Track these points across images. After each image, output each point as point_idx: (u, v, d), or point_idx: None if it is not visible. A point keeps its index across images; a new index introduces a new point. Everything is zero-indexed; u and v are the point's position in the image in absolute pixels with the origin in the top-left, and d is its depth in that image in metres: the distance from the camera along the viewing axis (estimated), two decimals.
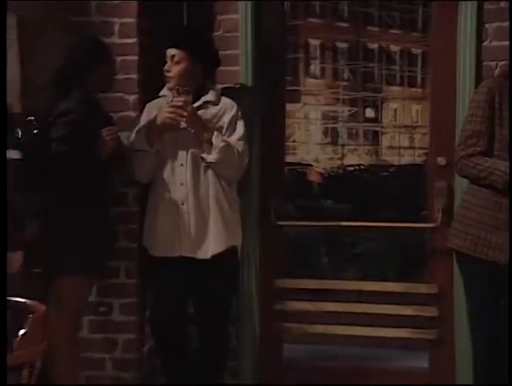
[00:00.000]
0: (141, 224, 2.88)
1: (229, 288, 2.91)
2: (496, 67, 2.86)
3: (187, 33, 2.90)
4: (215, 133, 2.72)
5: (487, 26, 2.88)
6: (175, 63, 2.75)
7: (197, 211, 2.75)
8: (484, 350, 2.61)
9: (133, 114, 2.95)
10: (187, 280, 2.82)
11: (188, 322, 2.90)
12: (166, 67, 2.77)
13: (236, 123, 2.80)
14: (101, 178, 2.68)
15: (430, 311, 3.06)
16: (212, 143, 2.70)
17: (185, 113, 2.67)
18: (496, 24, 2.87)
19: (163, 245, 2.78)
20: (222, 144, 2.71)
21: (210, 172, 2.76)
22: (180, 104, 2.67)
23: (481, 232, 2.52)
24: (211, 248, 2.76)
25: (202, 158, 2.73)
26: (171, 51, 2.76)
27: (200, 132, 2.72)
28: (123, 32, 2.94)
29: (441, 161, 2.99)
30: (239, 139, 2.78)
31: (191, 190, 2.75)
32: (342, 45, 25.40)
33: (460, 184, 2.80)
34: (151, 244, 2.82)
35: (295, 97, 22.20)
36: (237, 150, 2.75)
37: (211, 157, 2.71)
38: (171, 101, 2.69)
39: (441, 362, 3.03)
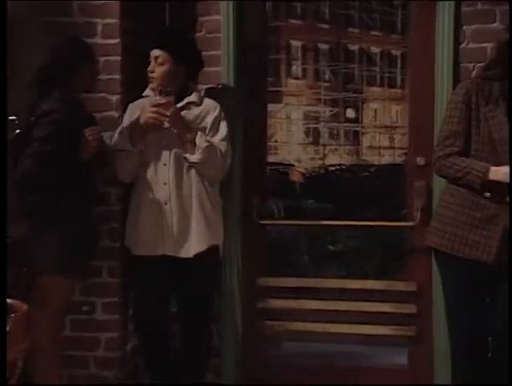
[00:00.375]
0: (123, 224, 2.87)
1: (211, 286, 2.91)
2: (473, 69, 2.89)
3: (172, 34, 2.90)
4: (198, 133, 2.72)
5: (464, 28, 2.90)
6: (158, 64, 2.74)
7: (180, 211, 2.75)
8: (461, 347, 2.63)
9: (116, 114, 2.93)
10: (169, 279, 2.81)
11: (171, 320, 2.89)
12: (149, 68, 2.76)
13: (219, 124, 2.80)
14: (84, 178, 2.66)
15: (409, 308, 3.08)
16: (195, 143, 2.70)
17: (168, 113, 2.67)
18: (473, 26, 2.90)
19: (146, 244, 2.77)
20: (205, 144, 2.70)
21: (193, 172, 2.75)
22: (163, 103, 2.66)
23: (458, 231, 2.54)
24: (193, 247, 2.76)
25: (185, 158, 2.73)
26: (155, 52, 2.75)
27: (183, 132, 2.71)
28: (106, 33, 2.93)
29: (420, 161, 3.01)
30: (222, 140, 2.78)
31: (174, 190, 2.75)
32: (323, 46, 25.48)
33: (439, 183, 2.82)
34: (134, 243, 2.81)
35: (277, 98, 22.22)
36: (220, 151, 2.76)
37: (194, 157, 2.71)
38: (154, 101, 2.69)
39: (420, 358, 3.05)
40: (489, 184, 2.47)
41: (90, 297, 2.97)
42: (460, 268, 2.56)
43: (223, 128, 2.80)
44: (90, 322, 2.97)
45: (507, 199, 2.49)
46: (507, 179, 2.44)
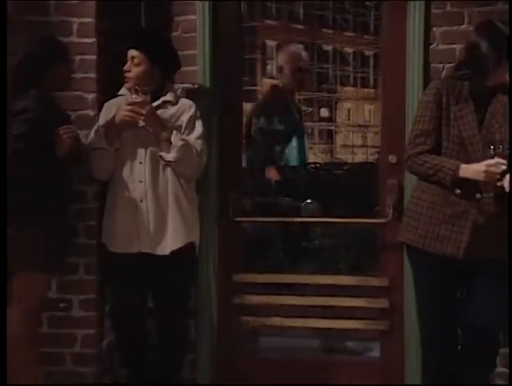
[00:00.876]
0: (100, 221, 2.86)
1: (187, 283, 2.92)
2: (443, 69, 2.92)
3: (149, 36, 2.90)
4: (174, 132, 2.71)
5: (434, 29, 2.93)
6: (134, 64, 2.74)
7: (156, 209, 2.74)
8: (431, 340, 2.66)
9: (91, 113, 2.92)
10: (146, 275, 2.81)
11: (148, 316, 2.88)
12: (125, 68, 2.75)
13: (194, 122, 2.80)
14: (59, 176, 2.64)
15: (381, 303, 3.10)
16: (170, 142, 2.69)
17: (143, 112, 2.66)
18: (443, 28, 2.93)
19: (123, 242, 2.76)
20: (181, 143, 2.70)
21: (169, 170, 2.75)
22: (139, 102, 2.65)
23: (429, 226, 2.56)
24: (170, 244, 2.75)
25: (161, 156, 2.72)
26: (131, 53, 2.74)
27: (159, 131, 2.70)
28: (82, 32, 2.91)
29: (392, 159, 3.04)
30: (198, 138, 2.78)
31: (150, 188, 2.74)
32: (298, 46, 25.54)
33: (410, 181, 2.85)
34: (110, 240, 2.80)
35: (253, 97, 22.22)
36: (196, 149, 2.75)
37: (169, 156, 2.70)
38: (130, 100, 2.68)
39: (392, 351, 3.08)
40: (459, 181, 2.50)
41: (67, 295, 2.95)
42: (431, 263, 2.59)
43: (198, 126, 2.80)
44: (67, 319, 2.96)
45: (477, 195, 2.52)
46: (477, 176, 2.48)
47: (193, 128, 2.80)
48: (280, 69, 3.61)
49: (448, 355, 2.63)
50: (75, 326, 2.95)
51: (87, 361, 2.96)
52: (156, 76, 2.77)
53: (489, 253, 2.53)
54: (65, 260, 2.78)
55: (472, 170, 2.48)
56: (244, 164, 3.33)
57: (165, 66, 2.79)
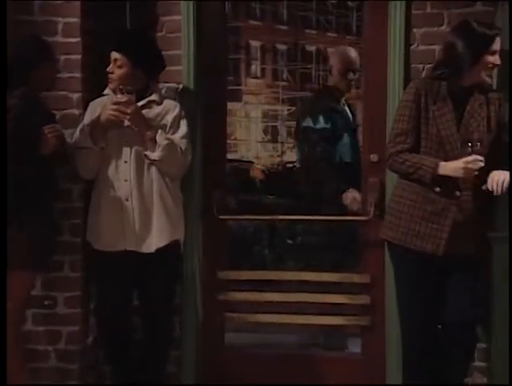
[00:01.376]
0: (85, 219, 2.85)
1: (172, 280, 2.91)
2: (423, 70, 2.94)
3: (131, 38, 2.86)
4: (159, 131, 2.70)
5: (415, 30, 2.95)
6: (117, 66, 2.73)
7: (141, 207, 2.74)
8: (412, 336, 2.68)
9: (76, 112, 2.90)
10: (131, 273, 2.80)
11: (133, 313, 2.88)
12: (108, 69, 2.74)
13: (179, 122, 2.80)
14: (44, 175, 2.63)
15: (363, 299, 3.12)
16: (155, 141, 2.69)
17: (128, 111, 2.66)
18: (423, 29, 2.95)
19: (108, 240, 2.75)
20: (166, 142, 2.70)
21: (154, 169, 2.74)
22: (124, 101, 2.65)
23: (410, 224, 2.58)
24: (155, 242, 2.75)
25: (146, 155, 2.71)
26: (114, 55, 2.73)
27: (144, 130, 2.70)
28: (67, 31, 2.89)
29: (374, 157, 3.05)
30: (182, 137, 2.78)
31: (135, 187, 2.73)
32: (282, 47, 25.54)
33: (391, 179, 2.87)
34: (95, 238, 2.79)
35: (237, 96, 22.19)
36: (181, 148, 2.75)
37: (154, 154, 2.69)
38: (115, 99, 2.67)
39: (373, 347, 3.09)
40: (439, 179, 2.53)
41: (52, 292, 2.94)
42: (412, 261, 2.60)
43: (183, 126, 2.80)
44: (52, 316, 2.94)
45: (457, 193, 2.55)
46: (456, 174, 2.50)
47: (178, 127, 2.79)
48: (330, 70, 3.63)
49: (428, 351, 2.65)
50: (60, 323, 2.94)
51: (71, 358, 2.95)
52: (139, 77, 2.76)
53: (468, 250, 2.56)
54: (50, 258, 2.76)
55: (450, 168, 2.51)
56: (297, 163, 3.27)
57: (148, 67, 2.78)
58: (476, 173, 2.48)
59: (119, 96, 2.66)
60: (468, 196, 2.55)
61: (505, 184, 2.47)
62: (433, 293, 2.64)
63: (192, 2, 3.00)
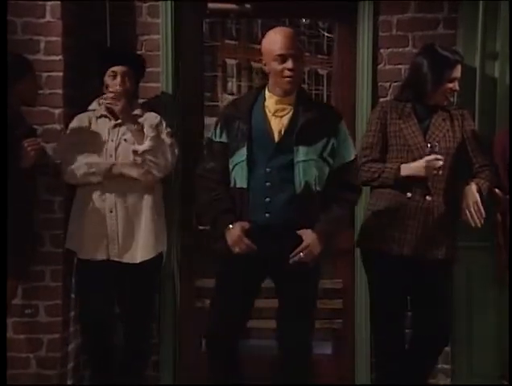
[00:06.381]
0: (66, 230, 2.80)
1: (152, 288, 2.87)
2: (390, 88, 2.97)
3: (131, 51, 2.93)
4: (145, 124, 2.69)
5: (382, 51, 2.98)
6: (121, 80, 2.72)
7: (125, 219, 2.70)
8: (381, 339, 2.68)
9: (58, 127, 2.87)
10: (113, 281, 2.76)
11: (114, 320, 2.83)
12: (112, 85, 2.72)
13: (162, 124, 2.79)
14: (24, 186, 2.58)
15: (335, 304, 3.11)
16: (143, 133, 2.67)
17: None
18: (389, 50, 2.98)
19: (91, 249, 2.71)
20: (153, 133, 2.69)
21: (138, 181, 2.70)
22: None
23: (383, 230, 2.59)
24: (140, 253, 2.71)
25: (135, 150, 2.66)
26: (120, 69, 2.73)
27: (131, 122, 2.68)
28: (49, 50, 2.86)
29: None
30: (166, 134, 2.76)
31: (119, 199, 2.70)
32: (256, 65, 25.66)
33: (364, 189, 2.86)
34: (79, 246, 2.74)
35: (213, 112, 22.22)
36: (167, 142, 2.73)
37: (143, 146, 2.66)
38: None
39: (343, 349, 3.10)
40: (408, 183, 2.54)
41: (33, 301, 2.89)
42: (384, 266, 2.60)
43: (166, 128, 2.79)
44: (33, 324, 2.89)
45: (427, 198, 2.56)
46: (418, 172, 2.53)
47: (162, 127, 2.78)
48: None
49: (396, 353, 2.65)
50: (41, 331, 2.89)
51: (52, 364, 2.90)
52: (133, 91, 2.78)
53: (438, 253, 2.57)
54: (31, 267, 2.71)
55: (413, 167, 2.55)
56: None
57: (139, 78, 2.83)
58: (436, 172, 2.51)
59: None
60: (438, 202, 2.57)
61: (481, 210, 2.50)
62: (404, 298, 2.65)
63: (170, 22, 3.00)
